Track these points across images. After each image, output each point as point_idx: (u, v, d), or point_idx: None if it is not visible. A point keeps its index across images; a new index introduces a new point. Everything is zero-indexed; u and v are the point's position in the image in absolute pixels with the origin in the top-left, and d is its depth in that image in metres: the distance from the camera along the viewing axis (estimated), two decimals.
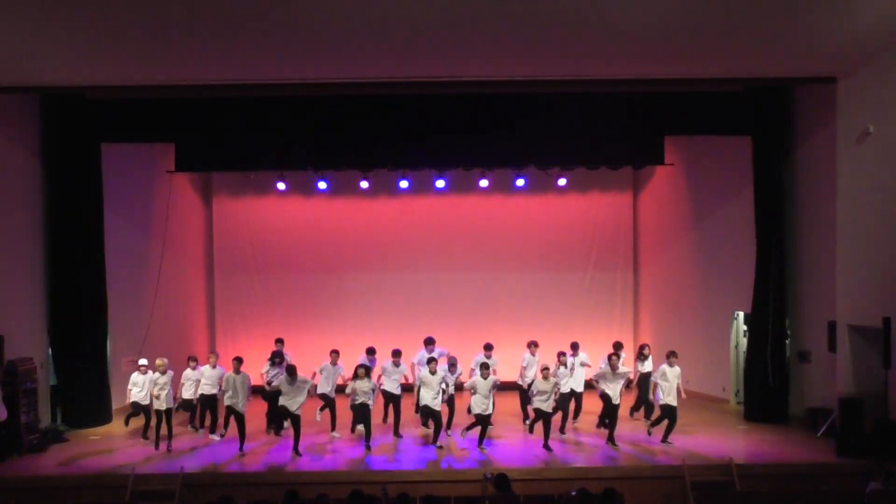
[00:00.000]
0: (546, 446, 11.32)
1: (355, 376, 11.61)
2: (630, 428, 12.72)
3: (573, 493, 8.38)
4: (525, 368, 12.85)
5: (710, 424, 12.96)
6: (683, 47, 10.49)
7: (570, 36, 10.11)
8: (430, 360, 11.95)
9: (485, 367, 11.65)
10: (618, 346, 12.76)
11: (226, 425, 12.02)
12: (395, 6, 9.19)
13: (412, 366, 12.97)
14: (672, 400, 11.59)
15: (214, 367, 12.21)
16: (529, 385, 12.42)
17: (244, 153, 13.60)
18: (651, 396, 12.65)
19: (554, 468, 10.52)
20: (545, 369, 11.65)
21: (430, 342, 12.98)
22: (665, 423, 11.65)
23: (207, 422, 12.59)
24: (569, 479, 9.87)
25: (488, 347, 12.87)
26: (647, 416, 12.93)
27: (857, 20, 9.68)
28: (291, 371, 11.45)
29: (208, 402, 12.33)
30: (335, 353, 12.71)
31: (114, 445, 11.99)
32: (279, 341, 13.30)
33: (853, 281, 11.43)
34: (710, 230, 15.16)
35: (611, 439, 11.64)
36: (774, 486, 9.97)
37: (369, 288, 16.95)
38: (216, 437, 12.19)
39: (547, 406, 11.47)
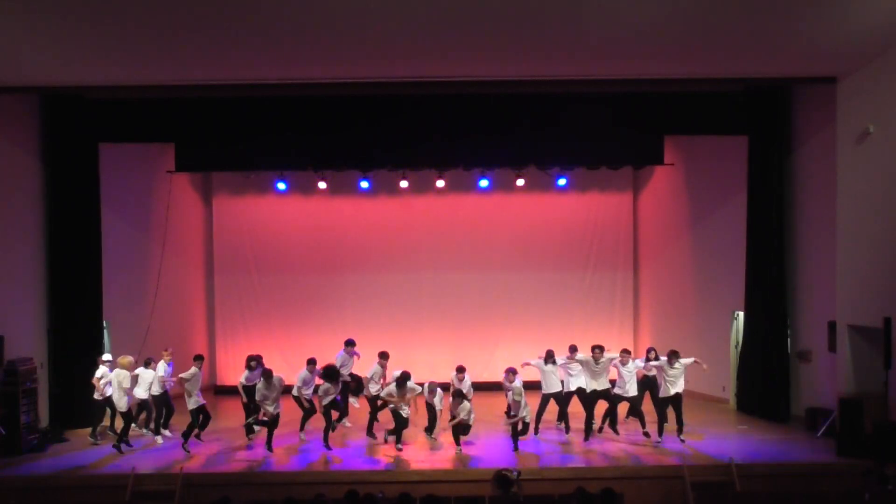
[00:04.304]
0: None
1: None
2: (629, 428, 12.72)
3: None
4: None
5: (710, 424, 12.95)
6: (683, 47, 10.50)
7: (570, 36, 10.12)
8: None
9: (458, 395, 11.39)
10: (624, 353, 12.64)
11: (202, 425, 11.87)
12: (395, 6, 9.18)
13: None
14: (675, 389, 11.59)
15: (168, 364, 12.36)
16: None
17: (244, 153, 13.57)
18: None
19: (554, 468, 10.53)
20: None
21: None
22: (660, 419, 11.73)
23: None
24: (568, 479, 9.86)
25: (460, 370, 12.43)
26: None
27: (857, 20, 9.67)
28: (269, 374, 11.44)
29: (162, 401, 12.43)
30: (312, 362, 12.31)
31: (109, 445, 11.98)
32: (255, 358, 12.72)
33: (853, 281, 11.42)
34: (709, 230, 15.16)
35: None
36: (774, 486, 9.97)
37: (369, 287, 16.94)
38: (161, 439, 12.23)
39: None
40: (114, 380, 11.80)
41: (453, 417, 11.25)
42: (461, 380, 12.26)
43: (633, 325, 17.42)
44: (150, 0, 8.91)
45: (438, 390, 12.11)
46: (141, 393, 12.20)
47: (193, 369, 11.71)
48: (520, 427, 11.52)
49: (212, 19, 9.42)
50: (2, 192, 12.08)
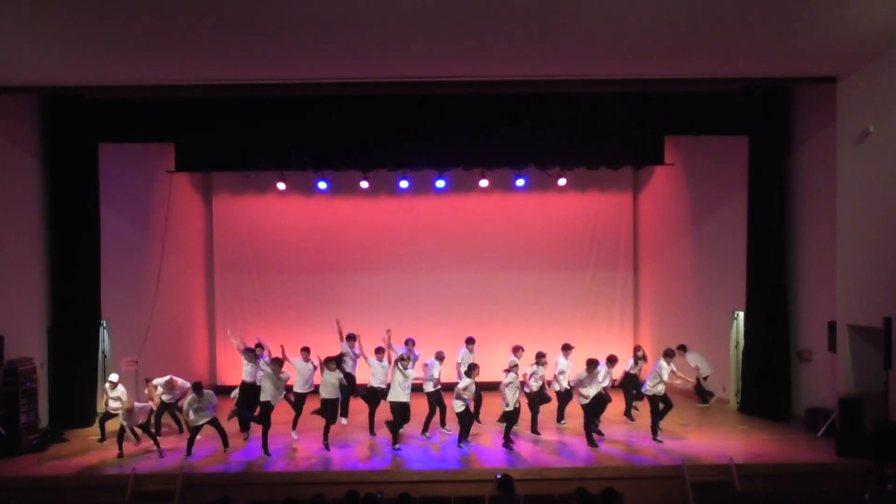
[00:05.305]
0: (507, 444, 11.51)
1: (325, 366, 11.72)
2: (628, 428, 12.73)
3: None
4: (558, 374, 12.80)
5: (710, 424, 12.97)
6: (683, 47, 10.49)
7: (570, 36, 10.11)
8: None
9: (473, 367, 11.66)
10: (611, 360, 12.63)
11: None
12: (395, 6, 9.18)
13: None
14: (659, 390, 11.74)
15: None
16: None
17: (244, 153, 13.59)
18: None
19: (554, 468, 10.53)
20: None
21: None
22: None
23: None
24: (568, 479, 9.86)
25: (470, 341, 13.17)
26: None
27: (856, 20, 9.67)
28: (280, 363, 11.69)
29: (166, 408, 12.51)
30: (305, 351, 12.53)
31: (113, 445, 11.94)
32: (259, 346, 13.04)
33: (853, 281, 11.42)
34: (710, 230, 15.16)
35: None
36: (774, 486, 9.98)
37: (369, 287, 16.94)
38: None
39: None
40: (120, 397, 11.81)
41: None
42: (471, 351, 12.97)
43: (633, 325, 17.41)
44: (150, 0, 8.91)
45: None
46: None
47: (192, 396, 11.45)
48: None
49: (212, 19, 9.41)
50: (2, 192, 12.08)
